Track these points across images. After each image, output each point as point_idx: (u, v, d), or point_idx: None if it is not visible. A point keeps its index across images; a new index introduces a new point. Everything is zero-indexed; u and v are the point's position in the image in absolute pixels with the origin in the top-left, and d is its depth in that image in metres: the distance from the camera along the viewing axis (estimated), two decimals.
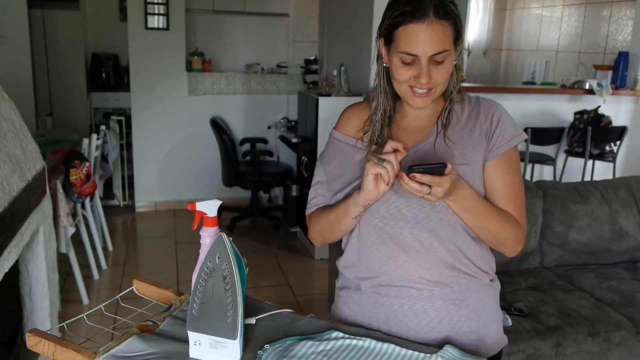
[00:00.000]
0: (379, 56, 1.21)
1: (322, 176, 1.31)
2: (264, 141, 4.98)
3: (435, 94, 1.16)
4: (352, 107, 1.33)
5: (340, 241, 1.37)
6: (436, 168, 1.03)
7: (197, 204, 1.08)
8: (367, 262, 1.24)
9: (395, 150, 1.08)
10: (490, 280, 1.26)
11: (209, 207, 1.08)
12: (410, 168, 1.03)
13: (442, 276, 1.18)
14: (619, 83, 4.42)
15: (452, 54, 1.13)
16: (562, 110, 4.38)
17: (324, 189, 1.31)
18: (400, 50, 1.11)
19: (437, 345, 1.15)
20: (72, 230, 2.97)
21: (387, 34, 1.14)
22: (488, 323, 1.24)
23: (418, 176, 1.02)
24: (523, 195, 1.24)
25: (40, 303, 2.45)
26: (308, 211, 1.35)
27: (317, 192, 1.32)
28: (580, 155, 4.27)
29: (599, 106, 4.23)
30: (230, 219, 4.58)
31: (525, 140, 1.25)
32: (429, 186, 1.03)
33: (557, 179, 4.37)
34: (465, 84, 4.60)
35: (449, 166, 1.03)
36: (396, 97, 1.22)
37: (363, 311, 1.25)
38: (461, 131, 1.20)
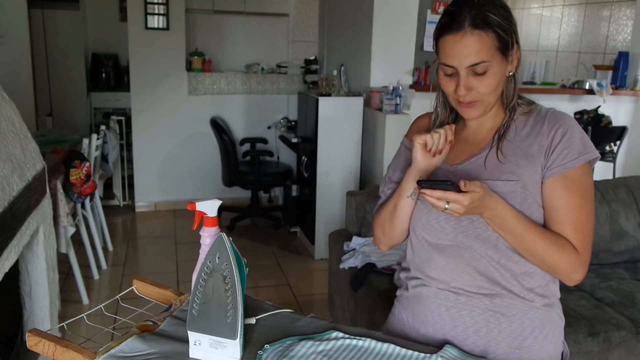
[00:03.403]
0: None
1: (386, 181, 1.34)
2: (264, 141, 4.98)
3: (484, 104, 1.14)
4: (420, 117, 1.36)
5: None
6: (443, 185, 1.02)
7: (197, 204, 1.08)
8: (414, 267, 1.27)
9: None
10: (546, 305, 1.20)
11: (209, 207, 1.08)
12: (418, 182, 1.05)
13: (482, 289, 1.16)
14: (619, 83, 4.42)
15: (496, 65, 1.10)
16: (562, 110, 4.32)
17: (386, 194, 1.32)
18: (440, 62, 1.13)
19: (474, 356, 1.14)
20: (72, 230, 2.97)
21: (435, 45, 1.16)
22: (535, 349, 1.18)
23: (428, 191, 1.02)
24: (588, 220, 1.14)
25: (40, 303, 2.45)
26: (372, 213, 1.38)
27: (381, 194, 1.35)
28: None
29: (599, 106, 4.23)
30: (230, 219, 4.58)
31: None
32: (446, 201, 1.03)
33: None
34: None
35: (462, 183, 1.01)
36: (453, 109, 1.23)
37: (408, 310, 1.28)
38: (517, 146, 1.16)
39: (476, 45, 1.07)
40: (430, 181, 1.06)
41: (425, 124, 1.31)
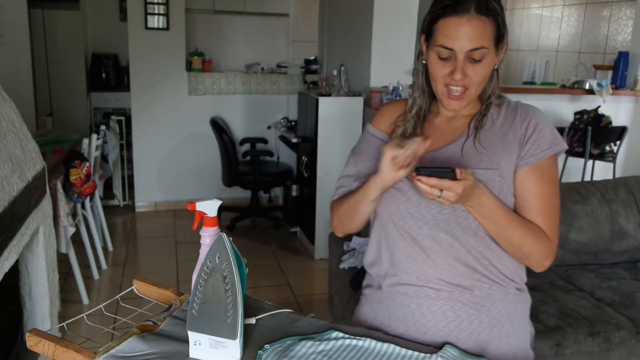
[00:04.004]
0: (420, 53, 1.20)
1: (351, 169, 1.31)
2: (264, 141, 4.98)
3: (470, 95, 1.14)
4: (389, 104, 1.34)
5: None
6: (442, 172, 1.01)
7: (197, 204, 1.08)
8: (387, 259, 1.24)
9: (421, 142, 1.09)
10: (517, 289, 1.23)
11: (209, 207, 1.08)
12: (417, 170, 1.02)
13: (463, 279, 1.16)
14: (619, 83, 4.42)
15: (491, 54, 1.11)
16: (562, 110, 4.39)
17: (349, 181, 1.31)
18: (437, 44, 1.10)
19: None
20: (72, 230, 2.97)
21: (428, 28, 1.13)
22: (511, 334, 1.21)
23: (424, 179, 1.01)
24: (556, 209, 1.18)
25: (40, 303, 2.45)
26: (331, 199, 1.35)
27: (343, 183, 1.33)
28: (580, 155, 4.27)
29: (599, 106, 4.23)
30: (230, 219, 4.58)
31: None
32: (440, 189, 1.02)
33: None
34: None
35: (458, 171, 1.01)
36: (433, 96, 1.22)
37: (383, 309, 1.25)
38: (493, 135, 1.18)
39: (479, 30, 1.07)
40: (430, 168, 1.03)
41: (395, 112, 1.28)
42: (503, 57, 1.16)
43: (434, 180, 1.01)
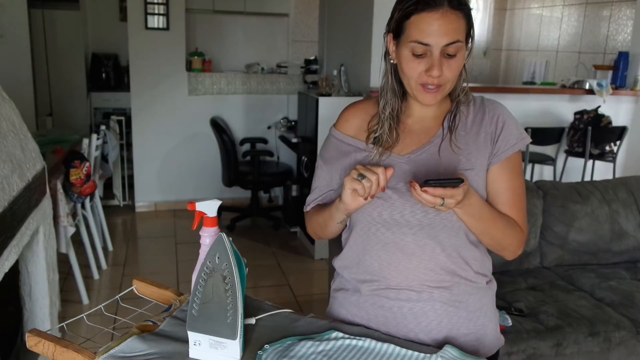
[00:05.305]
0: (387, 53, 1.18)
1: (321, 178, 1.30)
2: (264, 141, 4.98)
3: (445, 90, 1.13)
4: (351, 107, 1.31)
5: (340, 240, 1.36)
6: (452, 183, 1.02)
7: (197, 204, 1.08)
8: (366, 265, 1.22)
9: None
10: (487, 282, 1.25)
11: (209, 207, 1.08)
12: (426, 182, 1.01)
13: (443, 281, 1.18)
14: (619, 83, 4.42)
15: (464, 49, 1.10)
16: (562, 110, 4.38)
17: (322, 190, 1.30)
18: (412, 40, 1.08)
19: (436, 346, 1.15)
20: (72, 230, 2.97)
21: (398, 25, 1.11)
22: (486, 324, 1.24)
23: (430, 190, 1.01)
24: (525, 199, 1.22)
25: (40, 303, 2.45)
26: (305, 209, 1.37)
27: (316, 192, 1.32)
28: (580, 155, 4.27)
29: (599, 106, 4.23)
30: (230, 219, 4.58)
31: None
32: (442, 197, 1.02)
33: (557, 179, 4.37)
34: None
35: (465, 180, 1.02)
36: (403, 97, 1.20)
37: (361, 313, 1.24)
38: (466, 135, 1.18)
39: (454, 24, 1.07)
40: (438, 180, 1.02)
41: (359, 114, 1.26)
42: (470, 51, 1.14)
43: (439, 190, 1.01)
